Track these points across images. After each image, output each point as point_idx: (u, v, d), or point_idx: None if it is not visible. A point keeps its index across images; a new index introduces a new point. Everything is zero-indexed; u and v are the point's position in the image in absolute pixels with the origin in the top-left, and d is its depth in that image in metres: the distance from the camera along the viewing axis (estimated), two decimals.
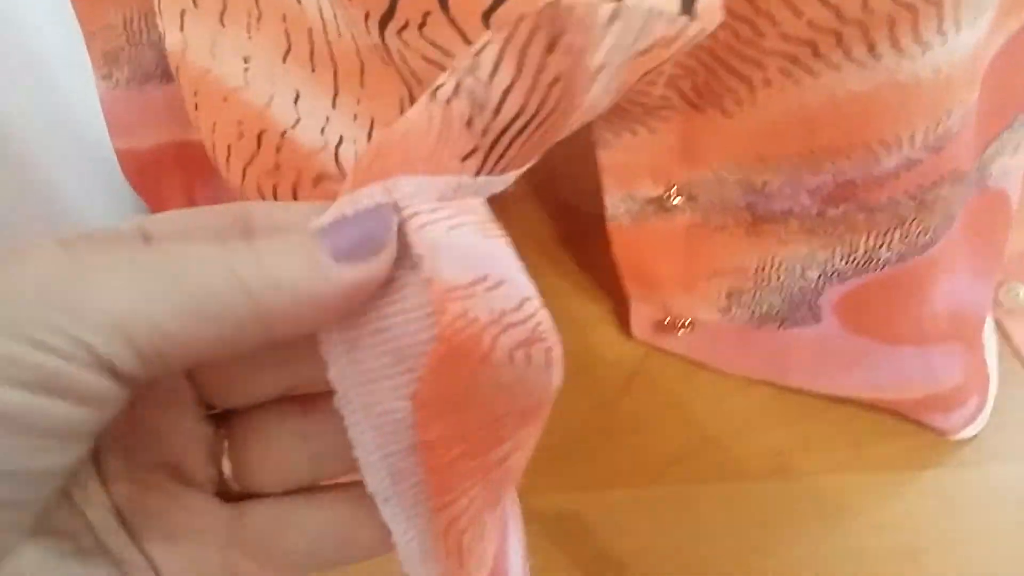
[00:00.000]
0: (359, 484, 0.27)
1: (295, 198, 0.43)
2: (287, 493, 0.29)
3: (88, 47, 0.61)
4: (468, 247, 0.24)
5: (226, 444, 0.29)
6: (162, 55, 0.55)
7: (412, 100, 0.43)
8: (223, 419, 0.29)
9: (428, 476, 0.26)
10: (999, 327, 0.62)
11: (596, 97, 0.27)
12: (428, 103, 0.25)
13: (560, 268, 0.68)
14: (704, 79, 0.45)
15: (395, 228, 0.24)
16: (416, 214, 0.24)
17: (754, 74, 0.43)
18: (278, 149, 0.44)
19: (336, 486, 0.29)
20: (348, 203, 0.25)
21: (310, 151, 0.44)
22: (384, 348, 0.25)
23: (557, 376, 0.26)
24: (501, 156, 0.26)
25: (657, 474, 0.58)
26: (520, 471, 0.29)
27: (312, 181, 0.43)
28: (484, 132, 0.25)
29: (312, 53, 0.44)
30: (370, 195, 0.25)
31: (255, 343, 0.23)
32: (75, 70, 0.65)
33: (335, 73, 0.44)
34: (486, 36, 0.25)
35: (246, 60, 0.44)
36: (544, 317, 0.25)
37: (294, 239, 0.24)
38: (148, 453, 0.28)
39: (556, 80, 0.25)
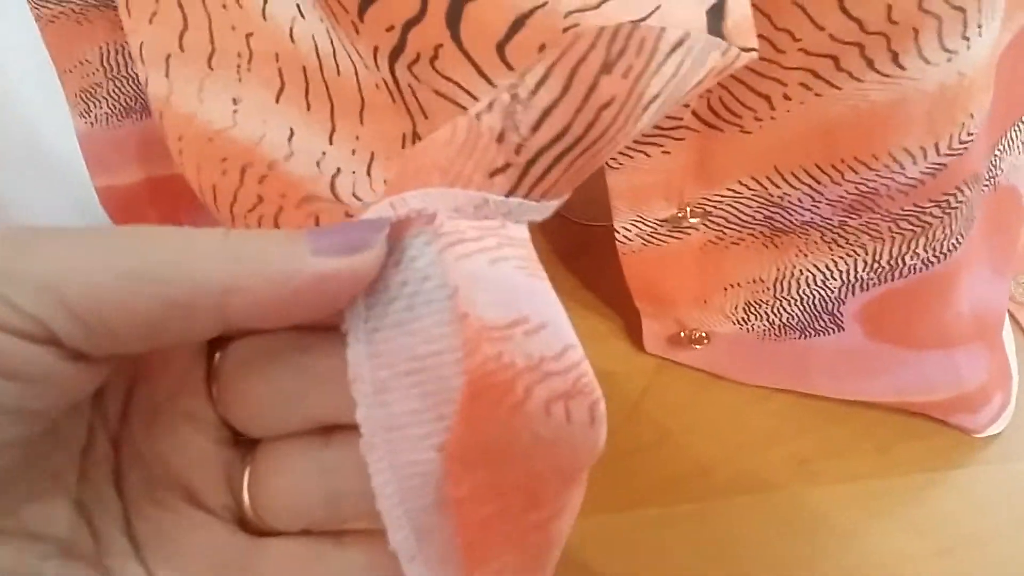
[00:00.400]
0: (383, 534, 0.26)
1: (277, 226, 0.41)
2: (308, 533, 0.27)
3: (63, 85, 0.59)
4: (509, 284, 0.23)
5: (247, 473, 0.28)
6: (140, 89, 0.54)
7: (415, 136, 0.42)
8: (249, 447, 0.28)
9: (457, 536, 0.25)
10: (1012, 320, 0.61)
11: (643, 127, 0.26)
12: (458, 118, 0.24)
13: (562, 284, 0.66)
14: (720, 98, 0.44)
15: (384, 232, 0.23)
16: (458, 242, 0.23)
17: (774, 91, 0.42)
18: (261, 180, 0.42)
19: (361, 532, 0.28)
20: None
21: (300, 179, 0.42)
22: (414, 392, 0.24)
23: (601, 434, 0.25)
24: (539, 179, 0.24)
25: (680, 490, 0.56)
26: (562, 540, 0.27)
27: (296, 204, 0.41)
28: (518, 150, 0.24)
29: (307, 91, 0.42)
30: (376, 213, 0.23)
31: (213, 324, 0.22)
32: (51, 107, 0.63)
33: (332, 110, 0.42)
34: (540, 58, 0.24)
35: (235, 101, 0.42)
36: (587, 369, 0.24)
37: (273, 232, 0.23)
38: (164, 470, 0.27)
39: (609, 103, 0.24)
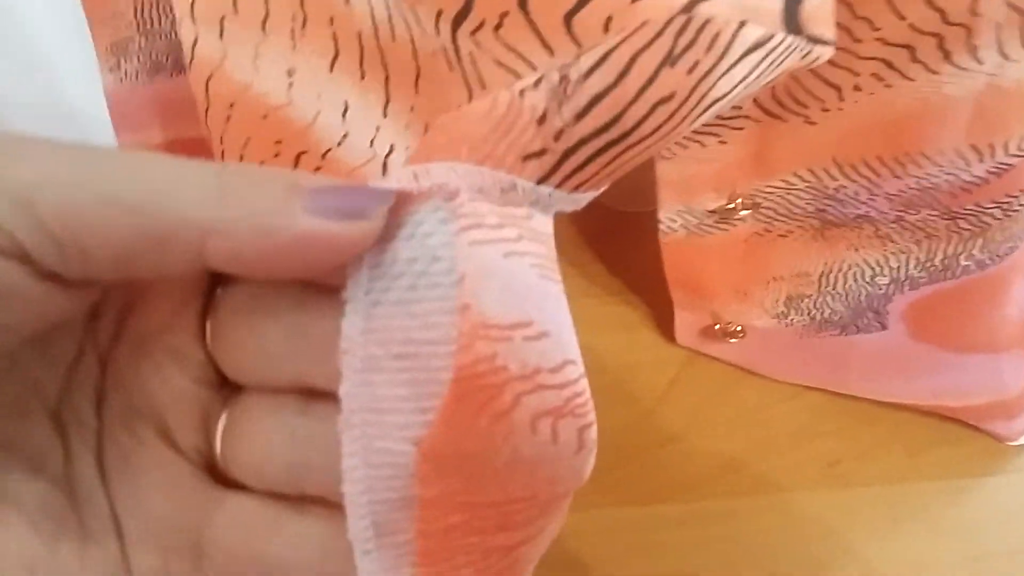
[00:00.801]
0: (343, 510, 0.25)
1: None
2: (274, 495, 0.27)
3: (94, 38, 0.57)
4: (520, 282, 0.22)
5: (223, 419, 0.27)
6: (173, 45, 0.52)
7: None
8: (231, 392, 0.27)
9: (417, 538, 0.23)
10: None
11: (700, 123, 0.25)
12: (500, 91, 0.22)
13: (588, 269, 0.65)
14: (787, 87, 0.42)
15: (387, 204, 0.22)
16: (475, 227, 0.21)
17: (846, 81, 0.41)
18: (316, 171, 0.41)
19: (324, 504, 0.26)
20: (380, 184, 0.22)
21: (354, 167, 0.41)
22: (402, 377, 0.22)
23: (588, 463, 0.23)
24: (576, 171, 0.23)
25: (705, 487, 0.55)
26: (530, 567, 0.26)
27: None
28: (558, 136, 0.22)
29: (362, 59, 0.41)
30: (398, 180, 0.22)
31: (190, 262, 0.21)
32: (77, 63, 0.61)
33: (387, 80, 0.41)
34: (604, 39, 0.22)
35: (290, 73, 0.41)
36: (584, 389, 0.22)
37: (277, 179, 0.21)
38: (143, 402, 0.26)
39: (667, 99, 0.22)
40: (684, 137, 0.45)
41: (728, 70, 0.23)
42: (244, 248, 0.21)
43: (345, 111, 0.41)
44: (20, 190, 0.19)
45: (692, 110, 0.23)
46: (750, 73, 0.24)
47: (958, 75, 0.39)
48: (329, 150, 0.42)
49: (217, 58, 0.42)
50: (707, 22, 0.22)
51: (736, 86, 0.24)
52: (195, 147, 0.58)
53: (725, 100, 0.24)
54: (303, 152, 0.42)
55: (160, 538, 0.26)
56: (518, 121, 0.22)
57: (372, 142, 0.42)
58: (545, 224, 0.23)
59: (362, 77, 0.41)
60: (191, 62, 0.42)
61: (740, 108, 0.44)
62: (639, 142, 0.23)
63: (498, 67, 0.37)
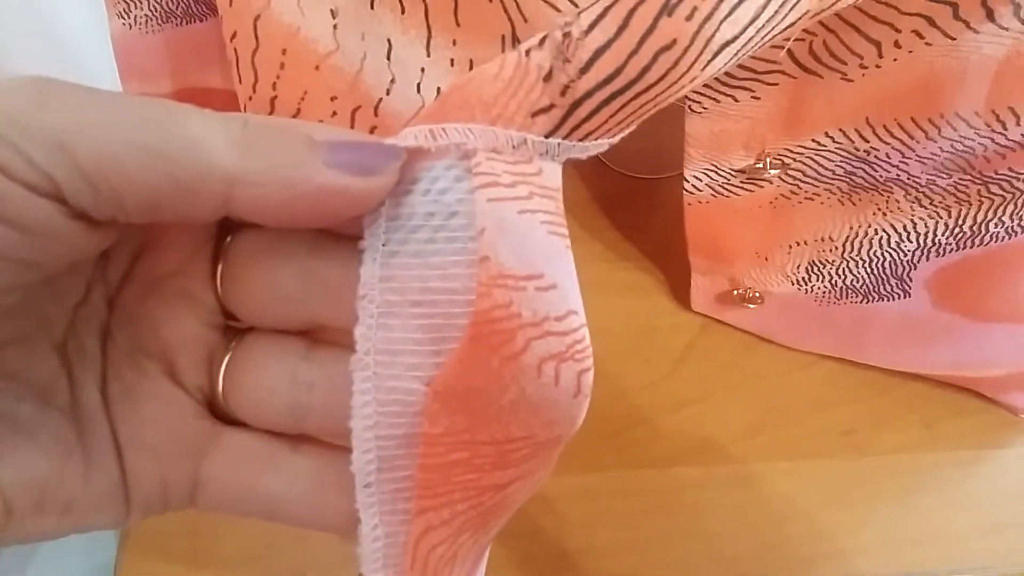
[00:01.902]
0: (338, 449, 0.27)
1: None
2: (272, 433, 0.28)
3: None
4: (532, 238, 0.23)
5: (227, 360, 0.28)
6: None
7: (515, 38, 0.41)
8: (237, 334, 0.29)
9: (419, 473, 0.25)
10: None
11: (719, 70, 0.25)
12: (507, 53, 0.23)
13: (603, 234, 0.65)
14: (825, 42, 0.42)
15: (399, 161, 0.23)
16: (492, 184, 0.23)
17: (886, 37, 0.41)
18: (372, 131, 0.42)
19: (318, 443, 0.28)
20: (398, 140, 0.23)
21: (405, 119, 0.41)
22: (418, 323, 0.24)
23: (583, 407, 0.24)
24: (583, 122, 0.23)
25: (721, 451, 0.55)
26: (515, 507, 0.27)
27: None
28: (564, 91, 0.23)
29: None
30: (415, 137, 0.23)
31: (215, 209, 0.22)
32: (82, 11, 0.60)
33: (426, 12, 0.41)
34: None
35: (334, 13, 0.41)
36: (584, 337, 0.24)
37: (298, 134, 0.23)
38: (150, 339, 0.27)
39: (668, 46, 0.23)
40: (716, 91, 0.45)
41: (730, 13, 0.23)
42: (267, 198, 0.22)
43: (389, 51, 0.42)
44: (57, 134, 0.20)
45: (699, 55, 0.23)
46: (758, 15, 0.24)
47: (999, 35, 0.39)
48: (380, 100, 0.43)
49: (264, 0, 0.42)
50: None
51: (745, 29, 0.24)
52: (206, 97, 0.58)
53: (738, 43, 0.24)
54: (357, 108, 0.43)
55: (159, 466, 0.27)
56: (525, 80, 0.23)
57: (419, 87, 0.42)
58: (554, 178, 0.24)
59: (403, 11, 0.42)
60: (232, 3, 0.42)
61: (776, 63, 0.43)
62: (646, 90, 0.23)
63: (539, 0, 0.38)
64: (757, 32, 0.24)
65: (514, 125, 0.23)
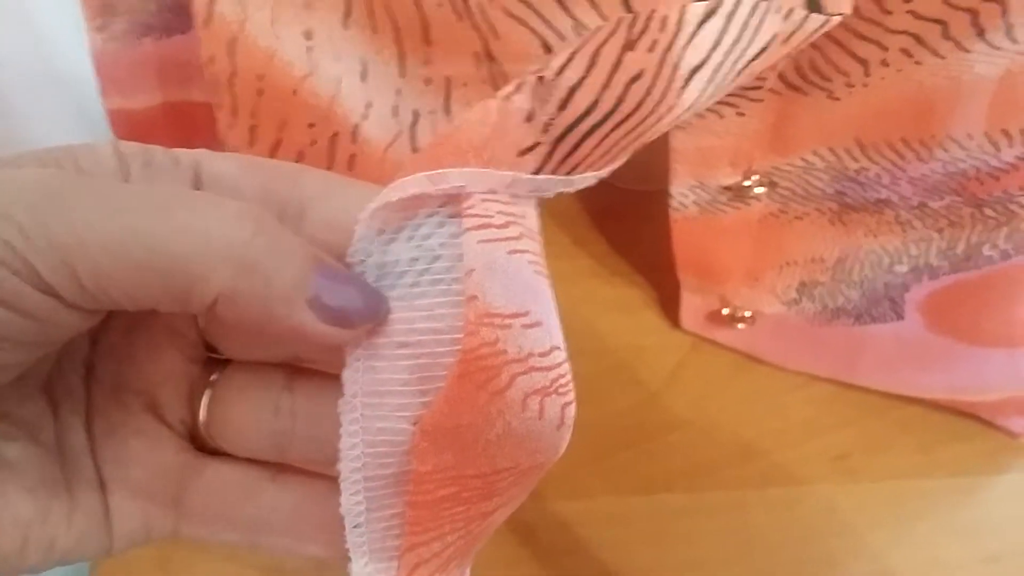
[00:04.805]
0: (321, 478, 0.28)
1: None
2: (253, 462, 0.29)
3: None
4: (520, 277, 0.24)
5: (209, 392, 0.29)
6: (163, 5, 0.51)
7: (488, 54, 0.41)
8: (218, 366, 0.29)
9: (408, 511, 0.25)
10: None
11: (701, 96, 0.25)
12: (488, 100, 0.24)
13: (593, 249, 0.64)
14: (811, 59, 0.41)
15: (377, 320, 0.24)
16: (484, 227, 0.24)
17: (872, 55, 0.40)
18: (352, 161, 0.43)
19: (299, 472, 0.29)
20: (395, 190, 0.24)
21: (384, 145, 0.43)
22: (405, 363, 0.25)
23: (565, 439, 0.25)
24: (568, 155, 0.24)
25: (711, 477, 0.54)
26: (493, 530, 0.28)
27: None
28: (546, 128, 0.24)
29: (372, 12, 0.41)
30: (415, 184, 0.24)
31: (194, 309, 0.23)
32: (64, 22, 0.59)
33: (397, 32, 0.41)
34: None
35: (308, 36, 0.41)
36: (567, 372, 0.24)
37: (295, 266, 0.23)
38: (133, 376, 0.28)
39: (637, 77, 0.24)
40: None
41: (690, 40, 0.24)
42: (244, 316, 0.23)
43: (364, 73, 0.42)
44: (60, 252, 0.21)
45: (669, 82, 0.24)
46: (720, 39, 0.24)
47: (991, 54, 0.38)
48: (357, 126, 0.43)
49: (238, 19, 0.41)
50: (652, 12, 0.24)
51: (709, 53, 0.24)
52: (188, 111, 0.57)
53: (707, 69, 0.25)
54: (335, 135, 0.43)
55: (142, 501, 0.28)
56: (510, 122, 0.24)
57: (396, 111, 0.43)
58: (535, 221, 0.25)
59: (375, 31, 0.41)
60: (207, 23, 0.41)
61: (762, 79, 0.42)
62: (625, 119, 0.24)
63: (509, 17, 0.38)
64: (726, 56, 0.25)
65: (504, 165, 0.24)
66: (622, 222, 0.65)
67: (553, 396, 0.24)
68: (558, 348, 0.24)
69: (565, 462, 0.26)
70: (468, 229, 0.23)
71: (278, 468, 0.29)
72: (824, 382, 0.57)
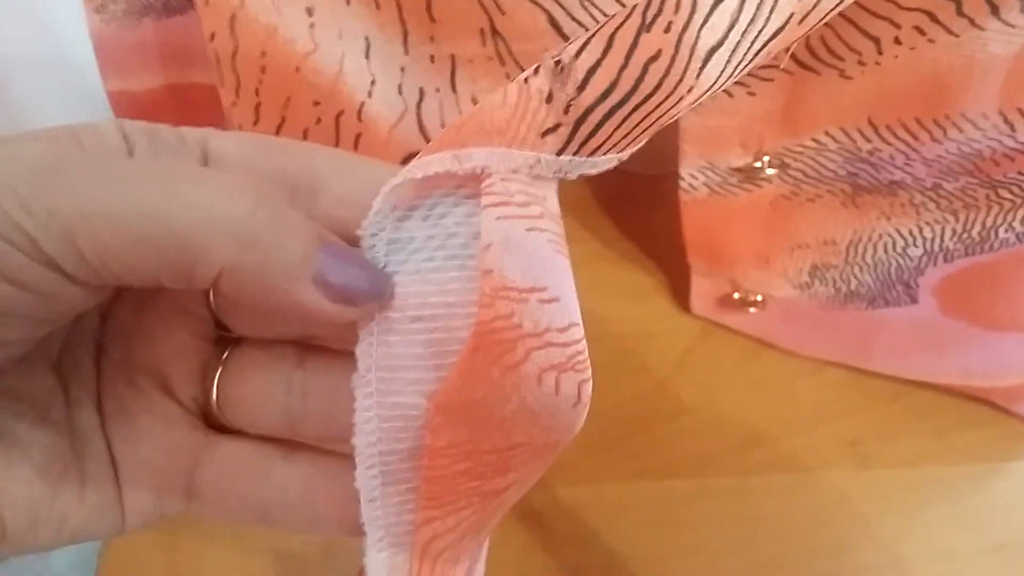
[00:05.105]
0: (333, 455, 0.28)
1: None
2: (265, 439, 0.29)
3: None
4: (539, 254, 0.24)
5: (220, 370, 0.29)
6: None
7: (494, 31, 0.40)
8: (229, 344, 0.29)
9: (423, 485, 0.25)
10: None
11: (721, 77, 0.25)
12: (507, 84, 0.24)
13: (603, 234, 0.63)
14: (822, 37, 0.40)
15: (377, 303, 0.25)
16: (503, 204, 0.24)
17: (885, 33, 0.39)
18: (357, 140, 0.43)
19: (313, 449, 0.29)
20: (418, 167, 0.24)
21: (390, 124, 0.42)
22: (419, 338, 0.25)
23: (582, 415, 0.25)
24: (590, 136, 0.24)
25: (720, 463, 0.53)
26: (510, 505, 0.28)
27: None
28: (567, 109, 0.24)
29: None
30: (440, 163, 0.24)
31: (198, 284, 0.23)
32: (67, 5, 0.59)
33: (400, 8, 0.40)
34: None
35: (310, 12, 0.40)
36: (584, 349, 0.24)
37: (298, 242, 0.23)
38: (144, 354, 0.28)
39: (654, 57, 0.23)
40: None
41: (706, 20, 0.24)
42: (249, 293, 0.23)
43: (368, 50, 0.41)
44: (62, 224, 0.21)
45: (688, 62, 0.24)
46: (736, 19, 0.24)
47: (1006, 32, 0.37)
48: (363, 104, 0.43)
49: None
50: None
51: (727, 33, 0.24)
52: (189, 93, 0.56)
53: (724, 49, 0.24)
54: (340, 113, 0.43)
55: (154, 479, 0.28)
56: (530, 104, 0.24)
57: (400, 88, 0.42)
58: (555, 203, 0.25)
59: (377, 7, 0.41)
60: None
61: (775, 58, 0.41)
62: (645, 100, 0.24)
63: None
64: (743, 36, 0.25)
65: (527, 146, 0.24)
66: (632, 207, 0.64)
67: (570, 372, 0.24)
68: (576, 325, 0.24)
69: (573, 448, 0.26)
70: (487, 207, 0.23)
71: (290, 446, 0.29)
72: (836, 368, 0.57)
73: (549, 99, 0.23)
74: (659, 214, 0.57)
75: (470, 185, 0.24)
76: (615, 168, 0.25)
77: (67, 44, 0.64)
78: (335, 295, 0.24)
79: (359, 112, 0.43)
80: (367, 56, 0.41)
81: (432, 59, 0.42)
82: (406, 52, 0.41)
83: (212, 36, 0.42)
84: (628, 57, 0.23)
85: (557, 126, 0.24)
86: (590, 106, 0.23)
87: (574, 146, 0.24)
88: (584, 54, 0.23)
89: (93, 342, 0.28)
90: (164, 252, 0.22)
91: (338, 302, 0.24)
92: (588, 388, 0.24)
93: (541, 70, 0.24)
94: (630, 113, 0.24)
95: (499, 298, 0.23)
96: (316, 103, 0.43)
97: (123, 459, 0.27)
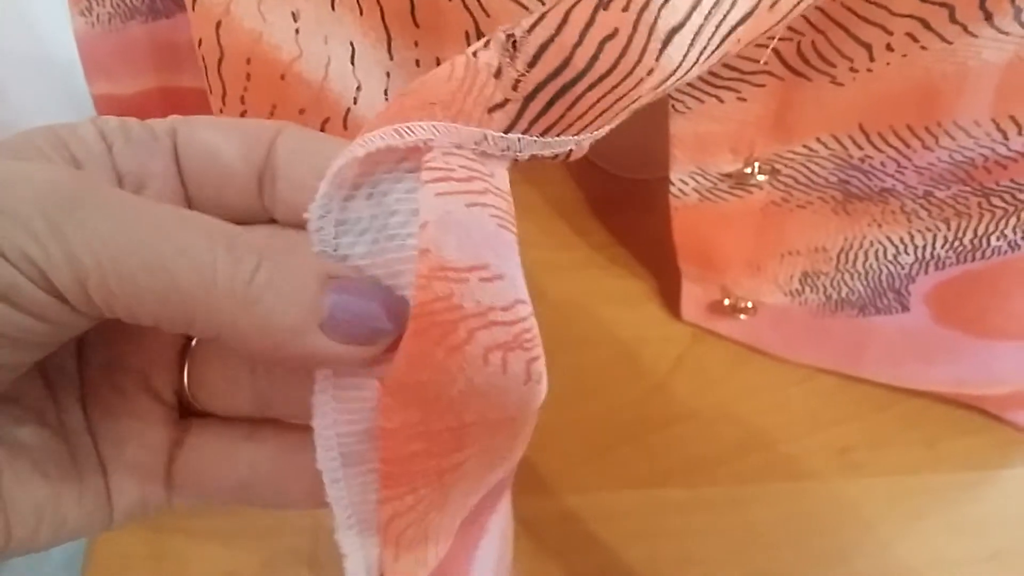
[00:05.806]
0: (295, 429, 0.29)
1: None
2: (234, 419, 0.29)
3: None
4: (479, 229, 0.23)
5: (190, 354, 0.29)
6: None
7: (479, 34, 0.40)
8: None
9: (380, 466, 0.25)
10: None
11: (685, 61, 0.25)
12: (455, 57, 0.24)
13: (593, 239, 0.63)
14: (813, 42, 0.40)
15: (397, 325, 0.24)
16: (443, 179, 0.23)
17: (877, 39, 0.38)
18: None
19: (278, 426, 0.29)
20: (361, 144, 0.23)
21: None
22: None
23: (536, 392, 0.25)
24: (540, 115, 0.24)
25: (710, 472, 0.53)
26: (476, 477, 0.28)
27: None
28: (516, 85, 0.23)
29: None
30: (382, 138, 0.23)
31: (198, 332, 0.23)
32: (54, 5, 0.59)
33: (382, 14, 0.40)
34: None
35: (295, 17, 0.40)
36: (533, 326, 0.24)
37: (298, 286, 0.23)
38: (122, 354, 0.28)
39: (611, 36, 0.23)
40: (700, 91, 0.43)
41: (667, 0, 0.23)
42: (252, 349, 0.23)
43: (353, 55, 0.41)
44: (78, 270, 0.21)
45: (646, 43, 0.24)
46: (699, 1, 0.24)
47: (999, 40, 0.36)
48: (348, 110, 0.42)
49: (223, 2, 0.40)
50: None
51: (689, 15, 0.24)
52: (177, 97, 0.56)
53: (686, 31, 0.24)
54: (326, 120, 0.42)
55: (137, 475, 0.28)
56: (477, 78, 0.23)
57: (386, 93, 0.42)
58: (504, 182, 0.25)
59: (360, 12, 0.40)
60: (194, 3, 0.40)
61: (762, 63, 0.41)
62: (599, 80, 0.23)
63: None
64: (706, 19, 0.24)
65: (473, 121, 0.23)
66: (623, 212, 0.64)
67: (517, 351, 0.24)
68: (522, 302, 0.24)
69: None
70: (427, 182, 0.23)
71: (255, 425, 0.29)
72: (827, 375, 0.57)
73: (498, 74, 0.23)
74: (651, 220, 0.57)
75: (412, 159, 0.24)
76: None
77: (53, 43, 0.64)
78: (352, 336, 0.23)
79: (345, 119, 0.43)
80: (352, 62, 0.41)
81: (417, 63, 0.41)
82: (391, 57, 0.41)
83: (200, 42, 0.41)
84: (583, 34, 0.23)
85: (505, 102, 0.23)
86: (540, 83, 0.23)
87: (523, 124, 0.24)
88: (538, 29, 0.23)
89: (75, 344, 0.28)
90: (167, 305, 0.22)
91: (355, 343, 0.23)
92: (538, 366, 0.24)
93: (491, 44, 0.23)
94: (584, 92, 0.23)
95: (436, 279, 0.23)
96: (302, 111, 0.42)
97: (109, 459, 0.28)
